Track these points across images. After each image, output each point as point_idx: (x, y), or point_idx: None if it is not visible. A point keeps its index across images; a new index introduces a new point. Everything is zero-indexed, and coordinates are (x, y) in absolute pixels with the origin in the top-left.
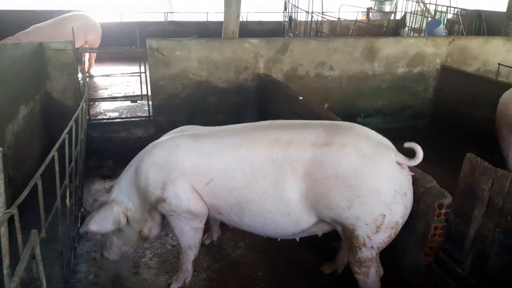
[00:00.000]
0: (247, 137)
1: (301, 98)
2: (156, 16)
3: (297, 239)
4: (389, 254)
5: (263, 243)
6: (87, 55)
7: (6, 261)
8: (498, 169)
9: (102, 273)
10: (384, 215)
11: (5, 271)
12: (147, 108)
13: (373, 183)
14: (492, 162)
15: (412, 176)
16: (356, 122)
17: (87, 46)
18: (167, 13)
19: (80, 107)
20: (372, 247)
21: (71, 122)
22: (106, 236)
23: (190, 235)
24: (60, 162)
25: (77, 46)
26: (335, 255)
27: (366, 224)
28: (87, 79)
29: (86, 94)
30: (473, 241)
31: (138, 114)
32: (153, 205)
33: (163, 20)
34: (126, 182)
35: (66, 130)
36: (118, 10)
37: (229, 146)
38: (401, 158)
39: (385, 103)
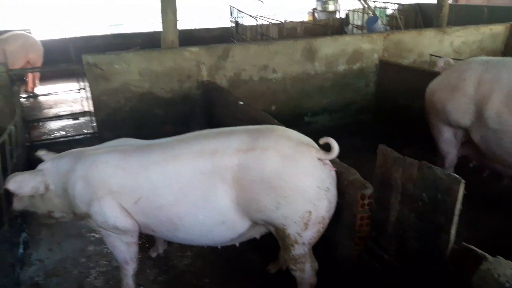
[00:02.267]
0: (172, 152)
1: (241, 103)
2: (100, 29)
3: (237, 244)
4: (322, 248)
5: (210, 251)
6: (30, 75)
7: None
8: (406, 157)
9: None
10: (310, 212)
11: None
12: (92, 125)
13: (296, 182)
14: (431, 149)
15: (335, 171)
16: (303, 122)
17: (29, 66)
18: (111, 25)
19: (7, 131)
20: (303, 243)
21: None
22: (50, 261)
23: (123, 250)
24: None
25: (18, 66)
26: (278, 254)
27: (295, 222)
28: (31, 99)
29: (16, 116)
30: (394, 228)
31: (84, 131)
32: (80, 217)
33: (109, 33)
34: (55, 169)
35: None
36: (60, 25)
37: (155, 163)
38: (321, 154)
39: (330, 101)
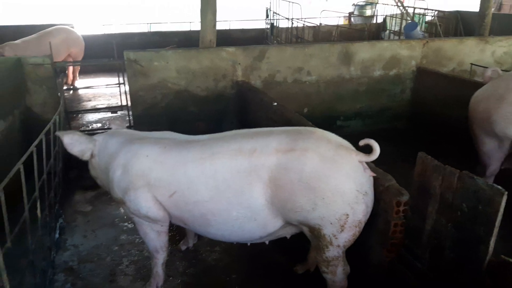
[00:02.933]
0: (210, 149)
1: (275, 104)
2: (140, 27)
3: (267, 242)
4: (354, 252)
5: (238, 247)
6: (71, 68)
7: None
8: (447, 166)
9: (79, 281)
10: (347, 215)
11: None
12: (129, 118)
13: (336, 185)
14: (467, 159)
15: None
16: (335, 126)
17: (71, 59)
18: (150, 23)
19: (52, 120)
20: (338, 245)
21: (41, 136)
22: (84, 247)
23: (153, 238)
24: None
25: (59, 59)
26: (307, 255)
27: (331, 224)
28: (71, 92)
29: (60, 107)
30: (429, 236)
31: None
32: (116, 200)
33: (147, 31)
34: (105, 149)
35: (35, 143)
36: (102, 22)
37: (193, 160)
38: (361, 156)
39: (364, 105)
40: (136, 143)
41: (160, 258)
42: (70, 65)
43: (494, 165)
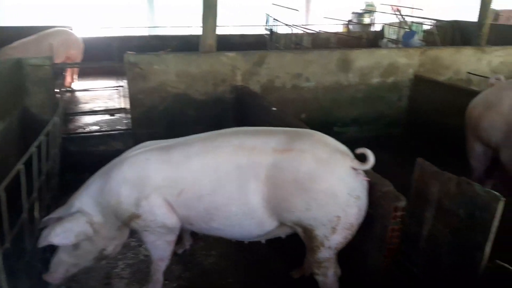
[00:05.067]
0: (212, 144)
1: (274, 109)
2: (139, 30)
3: (263, 241)
4: (351, 257)
5: (235, 251)
6: (69, 70)
7: None
8: (445, 172)
9: (74, 284)
10: (339, 217)
11: None
12: (126, 121)
13: (328, 187)
14: (463, 167)
15: (369, 181)
16: (332, 132)
17: (69, 61)
18: (149, 27)
19: (51, 122)
20: (330, 247)
21: (40, 137)
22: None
23: (162, 248)
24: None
25: (58, 61)
26: (303, 260)
27: (323, 225)
28: (69, 94)
29: (59, 108)
30: (426, 242)
31: (118, 127)
32: (125, 222)
33: (146, 34)
34: (90, 199)
35: (35, 144)
36: (102, 25)
37: (196, 154)
38: (356, 163)
39: (361, 112)
40: (127, 159)
41: (163, 265)
42: (69, 67)
43: (479, 169)
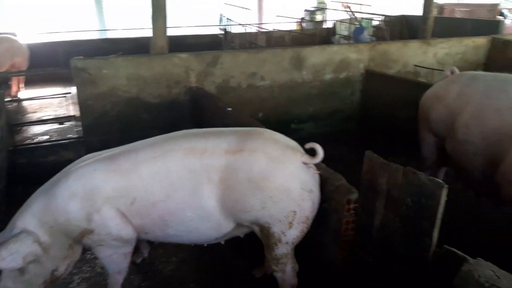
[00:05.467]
0: (161, 148)
1: (229, 109)
2: (89, 34)
3: (222, 242)
4: (309, 252)
5: (196, 255)
6: (15, 79)
7: None
8: (392, 163)
9: None
10: (295, 212)
11: None
12: (78, 129)
13: (282, 184)
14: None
15: (321, 175)
16: (290, 129)
17: (14, 70)
18: (99, 30)
19: None
20: (287, 242)
21: None
22: None
23: (119, 261)
24: None
25: (2, 70)
26: (264, 260)
27: (280, 221)
28: (15, 103)
29: (1, 120)
30: (378, 232)
31: (69, 136)
32: (77, 239)
33: (96, 38)
34: (34, 219)
35: None
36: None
37: (145, 160)
38: (306, 158)
39: (316, 108)
40: (72, 172)
41: (121, 278)
42: (15, 76)
43: (430, 159)
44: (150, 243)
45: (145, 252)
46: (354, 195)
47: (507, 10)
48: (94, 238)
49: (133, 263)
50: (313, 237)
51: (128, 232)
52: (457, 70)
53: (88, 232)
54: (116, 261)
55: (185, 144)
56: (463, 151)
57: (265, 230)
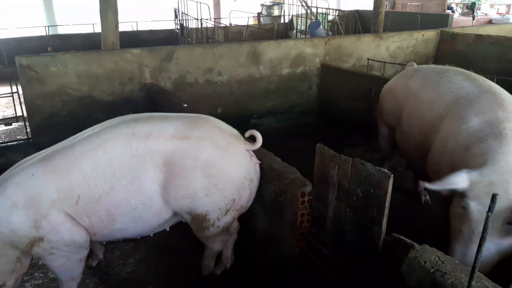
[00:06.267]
0: (99, 138)
1: (185, 105)
2: (37, 31)
3: (167, 229)
4: (267, 245)
5: (153, 256)
6: None
7: None
8: (341, 155)
9: None
10: (234, 200)
11: None
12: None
13: (228, 172)
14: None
15: (276, 169)
16: (250, 124)
17: None
18: (48, 26)
19: None
20: (218, 226)
21: None
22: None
23: (73, 268)
24: None
25: None
26: (221, 257)
27: (219, 209)
28: None
29: None
30: (332, 223)
31: (18, 137)
32: (25, 250)
33: (46, 34)
34: None
35: None
36: None
37: (84, 154)
38: (248, 145)
39: (275, 103)
40: (8, 181)
41: (75, 285)
42: None
43: (386, 149)
44: (106, 245)
45: (100, 254)
46: (308, 188)
47: (455, 5)
48: (45, 246)
49: (88, 267)
50: (271, 230)
51: (81, 235)
52: (415, 64)
53: (37, 240)
54: (70, 268)
55: (126, 129)
56: (406, 143)
57: (201, 217)
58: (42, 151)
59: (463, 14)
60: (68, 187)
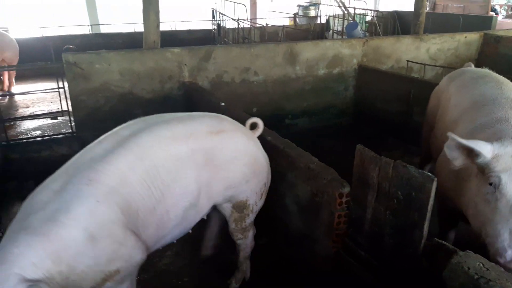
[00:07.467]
0: (138, 146)
1: (223, 104)
2: (81, 29)
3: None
4: (302, 245)
5: (189, 250)
6: (6, 74)
7: None
8: (382, 157)
9: None
10: (265, 183)
11: None
12: (72, 124)
13: (259, 157)
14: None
15: (314, 169)
16: (284, 124)
17: (5, 64)
18: (92, 25)
19: None
20: (256, 211)
21: None
22: None
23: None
24: None
25: None
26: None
27: (256, 193)
28: (7, 98)
29: None
30: (370, 225)
31: (62, 131)
32: (99, 285)
33: (89, 32)
34: (38, 269)
35: None
36: (40, 25)
37: (132, 167)
38: (255, 133)
39: (310, 103)
40: (68, 202)
41: None
42: (4, 70)
43: (425, 152)
44: None
45: None
46: (346, 189)
47: (499, 6)
48: (117, 278)
49: None
50: (307, 230)
51: (144, 250)
52: (472, 65)
53: (114, 273)
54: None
55: (165, 132)
56: (435, 145)
57: (242, 204)
58: (69, 164)
59: (507, 16)
60: (127, 203)
